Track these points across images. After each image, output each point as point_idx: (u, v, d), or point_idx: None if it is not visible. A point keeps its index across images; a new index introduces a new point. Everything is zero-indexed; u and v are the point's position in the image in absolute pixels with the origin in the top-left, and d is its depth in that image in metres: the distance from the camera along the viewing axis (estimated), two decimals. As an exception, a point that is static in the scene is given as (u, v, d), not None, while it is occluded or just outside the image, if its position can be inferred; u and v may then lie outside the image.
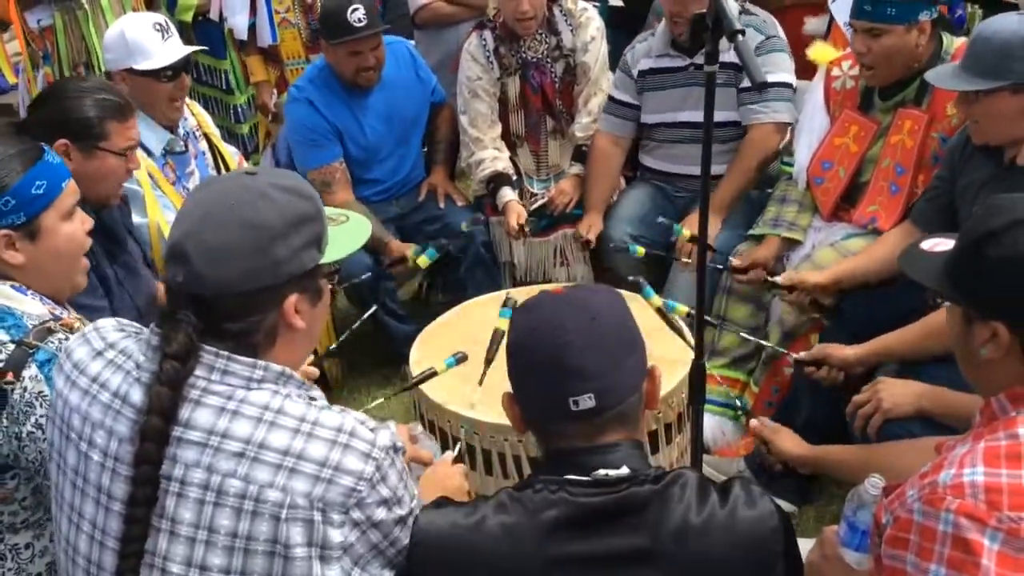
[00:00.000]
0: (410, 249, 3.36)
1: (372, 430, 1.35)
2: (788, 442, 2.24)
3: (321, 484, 1.29)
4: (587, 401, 1.35)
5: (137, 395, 1.34)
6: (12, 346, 1.69)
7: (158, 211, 2.81)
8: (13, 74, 3.94)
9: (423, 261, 2.96)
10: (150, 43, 2.88)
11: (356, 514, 1.31)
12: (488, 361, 2.37)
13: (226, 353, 1.33)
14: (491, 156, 3.56)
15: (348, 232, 1.53)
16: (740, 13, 3.24)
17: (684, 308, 2.58)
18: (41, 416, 1.66)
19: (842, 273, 2.73)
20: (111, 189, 2.44)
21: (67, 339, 1.73)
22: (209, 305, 1.33)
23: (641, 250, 2.97)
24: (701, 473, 1.42)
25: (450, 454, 1.96)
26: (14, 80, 3.99)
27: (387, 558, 1.37)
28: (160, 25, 2.93)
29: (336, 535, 1.30)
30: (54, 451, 1.43)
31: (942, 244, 1.51)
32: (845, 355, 2.49)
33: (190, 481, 1.31)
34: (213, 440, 1.31)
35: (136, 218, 2.78)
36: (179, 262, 1.32)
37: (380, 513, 1.33)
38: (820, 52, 3.12)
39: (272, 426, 1.32)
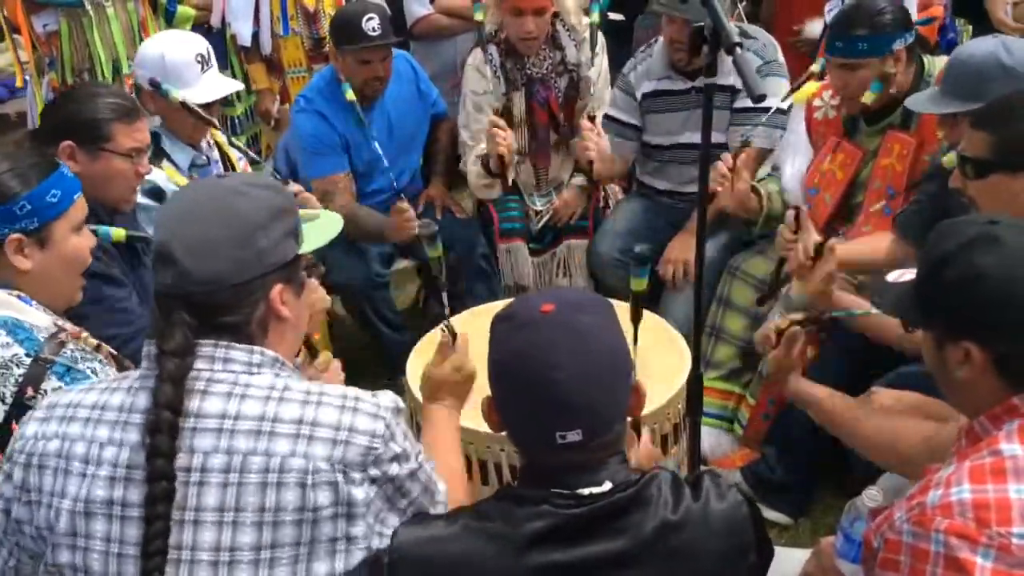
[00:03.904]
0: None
1: (373, 395, 1.43)
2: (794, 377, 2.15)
3: (339, 447, 1.35)
4: (574, 436, 1.34)
5: (143, 400, 1.37)
6: (28, 360, 1.71)
7: None
8: (23, 77, 3.94)
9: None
10: (188, 72, 2.84)
11: (374, 471, 1.37)
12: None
13: (224, 343, 1.39)
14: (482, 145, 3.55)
15: (319, 227, 1.61)
16: (740, 35, 3.22)
17: None
18: None
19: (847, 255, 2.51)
20: (120, 192, 2.42)
21: (78, 349, 1.77)
22: (200, 302, 1.37)
23: None
24: (673, 472, 1.43)
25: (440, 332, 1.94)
26: (21, 83, 3.99)
27: (400, 510, 1.43)
28: (202, 56, 2.89)
29: (359, 493, 1.35)
30: (43, 495, 1.39)
31: (907, 275, 1.56)
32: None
33: (210, 468, 1.34)
34: (227, 423, 1.35)
35: None
36: (166, 263, 1.37)
37: (394, 469, 1.39)
38: (799, 92, 3.10)
39: (281, 401, 1.37)
